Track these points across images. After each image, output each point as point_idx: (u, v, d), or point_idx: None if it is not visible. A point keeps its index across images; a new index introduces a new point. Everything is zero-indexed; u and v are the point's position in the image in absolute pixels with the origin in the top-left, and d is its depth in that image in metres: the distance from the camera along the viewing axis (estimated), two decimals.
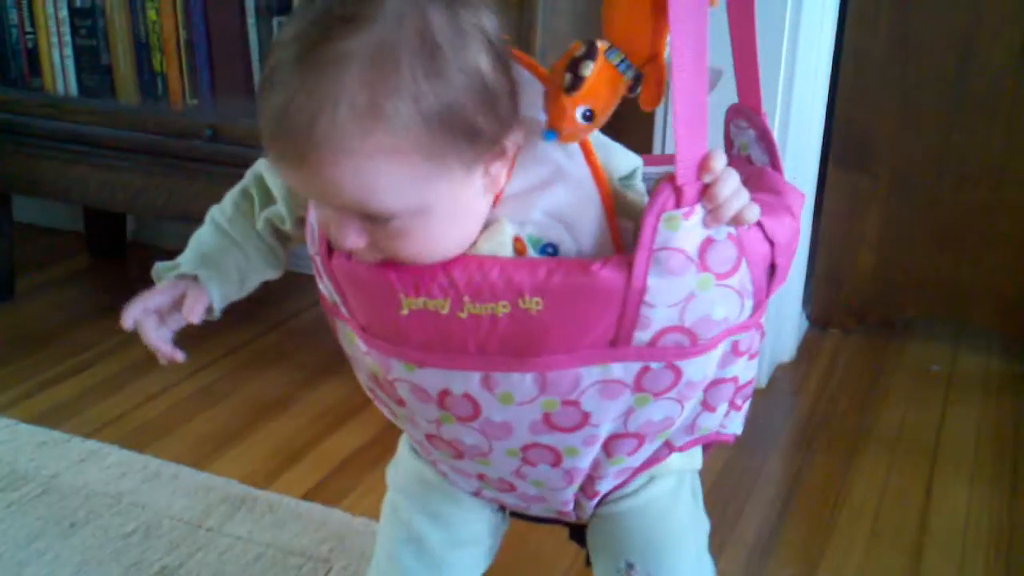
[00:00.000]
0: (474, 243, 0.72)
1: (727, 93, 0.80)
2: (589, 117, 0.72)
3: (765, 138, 0.83)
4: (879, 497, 1.37)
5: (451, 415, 0.76)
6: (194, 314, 0.82)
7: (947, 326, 1.84)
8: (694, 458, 0.90)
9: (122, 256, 2.14)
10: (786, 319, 1.72)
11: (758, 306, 0.73)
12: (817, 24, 1.57)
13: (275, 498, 1.33)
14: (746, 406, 0.85)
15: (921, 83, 1.70)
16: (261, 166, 0.86)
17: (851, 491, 1.38)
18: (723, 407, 0.81)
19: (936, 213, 1.75)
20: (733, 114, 0.85)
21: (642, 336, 0.70)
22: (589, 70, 0.71)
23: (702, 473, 0.91)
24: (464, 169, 0.68)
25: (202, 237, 0.87)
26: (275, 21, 1.57)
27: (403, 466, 0.94)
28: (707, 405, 0.79)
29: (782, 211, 0.73)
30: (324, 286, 0.79)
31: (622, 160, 0.78)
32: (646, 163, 0.79)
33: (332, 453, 1.44)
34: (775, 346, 1.70)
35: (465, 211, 0.71)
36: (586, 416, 0.75)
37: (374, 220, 0.68)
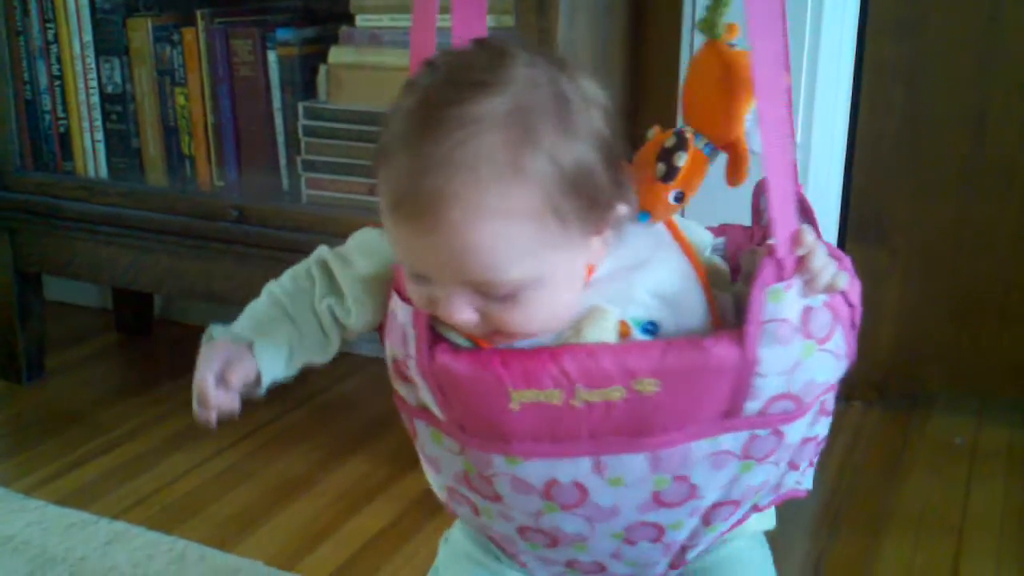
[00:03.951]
0: (579, 331, 0.72)
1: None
2: (680, 198, 0.77)
3: (804, 209, 0.84)
4: None
5: (556, 504, 0.76)
6: (237, 378, 0.75)
7: (970, 398, 1.84)
8: (768, 517, 0.90)
9: (149, 333, 2.17)
10: None
11: (847, 366, 0.75)
12: (831, 104, 1.60)
13: None
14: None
15: (935, 159, 1.72)
16: (326, 253, 0.83)
17: (876, 571, 1.37)
18: (804, 464, 0.83)
19: (955, 285, 1.76)
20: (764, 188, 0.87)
21: (753, 406, 0.72)
22: (683, 160, 0.75)
23: None
24: (582, 235, 0.70)
25: (257, 308, 0.83)
26: (300, 106, 1.62)
27: (457, 549, 0.92)
28: (792, 464, 0.81)
29: (851, 275, 0.75)
30: (408, 390, 0.78)
31: (703, 236, 0.82)
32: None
33: (357, 534, 1.45)
34: None
35: (575, 280, 0.72)
36: (694, 488, 0.76)
37: (489, 294, 0.68)
